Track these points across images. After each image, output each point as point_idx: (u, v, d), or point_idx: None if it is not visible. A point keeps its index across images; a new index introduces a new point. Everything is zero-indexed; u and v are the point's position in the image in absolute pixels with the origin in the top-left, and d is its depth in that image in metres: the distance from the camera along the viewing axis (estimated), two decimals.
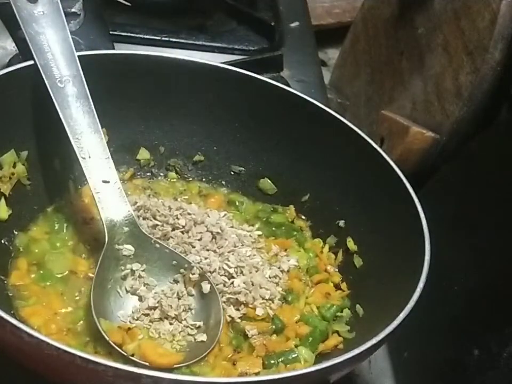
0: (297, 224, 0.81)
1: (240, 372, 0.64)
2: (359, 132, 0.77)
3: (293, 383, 0.54)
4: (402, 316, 0.59)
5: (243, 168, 0.84)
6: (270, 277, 0.73)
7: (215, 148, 0.84)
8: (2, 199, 0.71)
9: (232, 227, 0.77)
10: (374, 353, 0.60)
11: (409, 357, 0.75)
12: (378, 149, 0.76)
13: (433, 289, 0.62)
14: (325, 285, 0.75)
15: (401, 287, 0.64)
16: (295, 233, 0.80)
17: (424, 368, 0.73)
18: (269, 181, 0.83)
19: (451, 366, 0.69)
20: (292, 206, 0.82)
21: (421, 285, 0.62)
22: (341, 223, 0.78)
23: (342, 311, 0.72)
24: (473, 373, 0.66)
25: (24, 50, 0.69)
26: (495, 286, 0.69)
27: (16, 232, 0.72)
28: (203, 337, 0.66)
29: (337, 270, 0.77)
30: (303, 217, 0.82)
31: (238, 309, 0.69)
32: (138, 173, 0.84)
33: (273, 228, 0.80)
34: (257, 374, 0.64)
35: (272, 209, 0.82)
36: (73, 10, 0.88)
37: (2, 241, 0.70)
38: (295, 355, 0.66)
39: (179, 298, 0.68)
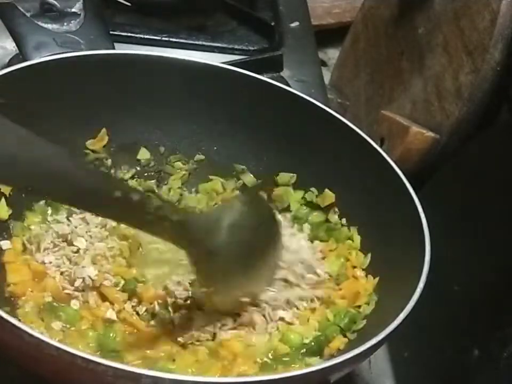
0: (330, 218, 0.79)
1: (237, 373, 0.63)
2: (359, 131, 0.77)
3: (293, 383, 0.54)
4: (402, 316, 0.59)
5: (244, 167, 0.84)
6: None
7: (215, 147, 0.84)
8: (3, 199, 0.71)
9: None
10: (374, 353, 0.60)
11: (409, 357, 0.75)
12: (378, 149, 0.76)
13: (433, 289, 0.62)
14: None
15: (401, 287, 0.64)
16: (333, 232, 0.78)
17: (424, 368, 0.73)
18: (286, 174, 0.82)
19: (451, 366, 0.69)
20: (327, 190, 0.79)
21: (421, 285, 0.61)
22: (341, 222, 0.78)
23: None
24: (473, 373, 0.66)
25: (24, 50, 0.69)
26: (495, 286, 0.69)
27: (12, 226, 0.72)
28: None
29: (364, 273, 0.73)
30: (336, 209, 0.79)
31: None
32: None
33: (314, 230, 0.78)
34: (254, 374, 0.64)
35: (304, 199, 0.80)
36: (73, 10, 0.88)
37: None
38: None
39: None
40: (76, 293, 0.67)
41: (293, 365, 0.64)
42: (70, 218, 0.74)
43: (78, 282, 0.67)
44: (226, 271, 0.62)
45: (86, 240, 0.71)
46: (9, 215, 0.71)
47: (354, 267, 0.74)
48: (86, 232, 0.72)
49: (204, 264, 0.61)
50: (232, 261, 0.61)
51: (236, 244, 0.61)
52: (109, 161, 0.81)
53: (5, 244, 0.70)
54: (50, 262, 0.69)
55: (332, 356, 0.66)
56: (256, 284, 0.66)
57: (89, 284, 0.67)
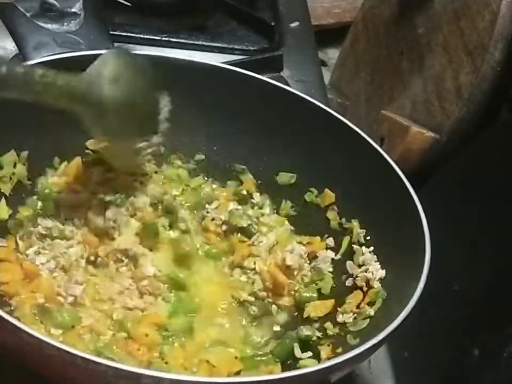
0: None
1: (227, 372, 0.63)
2: (359, 131, 0.77)
3: (293, 383, 0.54)
4: (402, 315, 0.59)
5: (244, 167, 0.84)
6: None
7: (215, 147, 0.84)
8: (3, 199, 0.71)
9: None
10: (374, 353, 0.60)
11: (409, 357, 0.75)
12: (379, 148, 0.76)
13: (433, 289, 0.62)
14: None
15: (401, 287, 0.64)
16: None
17: (424, 368, 0.73)
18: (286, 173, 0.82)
19: (451, 366, 0.69)
20: (327, 190, 0.79)
21: (421, 285, 0.61)
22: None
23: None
24: (473, 373, 0.66)
25: (24, 50, 0.69)
26: (495, 286, 0.69)
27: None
28: None
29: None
30: (335, 207, 0.79)
31: None
32: None
33: None
34: (237, 373, 0.63)
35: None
36: (73, 10, 0.89)
37: None
38: None
39: None
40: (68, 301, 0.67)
41: (269, 364, 0.64)
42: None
43: (70, 299, 0.66)
44: (118, 121, 0.67)
45: (72, 239, 0.71)
46: (9, 215, 0.71)
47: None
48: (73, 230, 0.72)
49: (97, 119, 0.66)
50: (120, 110, 0.66)
51: (120, 93, 0.66)
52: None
53: (0, 242, 0.69)
54: (43, 264, 0.68)
55: (331, 357, 0.66)
56: (143, 132, 0.73)
57: (81, 302, 0.67)
